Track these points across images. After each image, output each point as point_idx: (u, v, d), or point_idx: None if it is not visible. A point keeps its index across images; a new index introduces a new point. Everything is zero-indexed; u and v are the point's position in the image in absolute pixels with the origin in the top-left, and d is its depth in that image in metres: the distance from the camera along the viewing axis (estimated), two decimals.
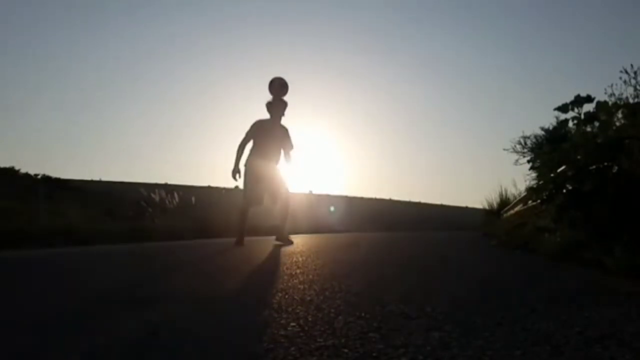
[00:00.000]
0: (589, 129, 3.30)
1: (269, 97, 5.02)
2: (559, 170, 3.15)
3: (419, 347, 1.02)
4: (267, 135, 4.94)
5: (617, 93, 3.10)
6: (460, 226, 17.30)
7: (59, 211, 8.76)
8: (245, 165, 4.95)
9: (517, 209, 7.27)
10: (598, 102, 3.29)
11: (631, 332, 1.13)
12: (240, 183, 5.04)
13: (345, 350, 1.01)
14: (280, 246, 4.63)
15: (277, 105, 5.00)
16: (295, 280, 2.12)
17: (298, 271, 2.48)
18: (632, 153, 2.60)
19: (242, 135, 4.98)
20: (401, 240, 6.44)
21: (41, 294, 1.94)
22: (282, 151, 5.05)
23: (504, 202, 10.48)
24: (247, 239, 5.20)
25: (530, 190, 3.77)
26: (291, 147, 5.07)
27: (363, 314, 1.37)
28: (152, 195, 9.76)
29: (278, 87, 4.97)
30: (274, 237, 5.23)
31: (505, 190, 10.96)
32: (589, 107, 3.38)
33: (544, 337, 1.09)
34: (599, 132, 3.10)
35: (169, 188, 11.20)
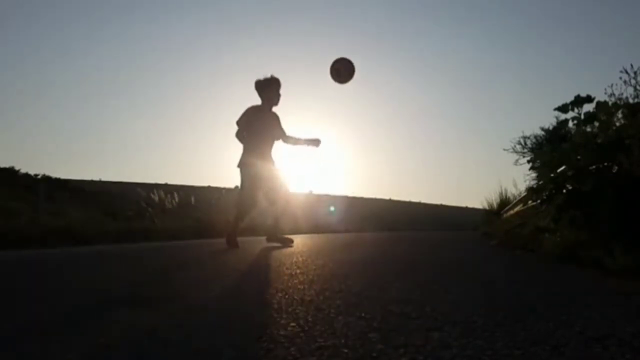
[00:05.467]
0: (589, 129, 3.30)
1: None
2: (559, 170, 3.15)
3: (419, 347, 1.02)
4: (260, 123, 4.64)
5: (617, 93, 3.09)
6: (460, 226, 17.31)
7: (59, 211, 8.77)
8: (241, 166, 4.66)
9: (517, 209, 7.27)
10: (598, 102, 3.29)
11: (631, 332, 1.13)
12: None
13: (345, 350, 1.00)
14: (278, 247, 4.62)
15: (272, 96, 4.70)
16: (295, 280, 2.11)
17: (298, 271, 2.47)
18: (632, 153, 2.60)
19: (236, 127, 4.69)
20: (401, 240, 6.44)
21: (41, 294, 1.94)
22: (274, 141, 4.77)
23: (504, 202, 10.49)
24: (246, 239, 5.19)
25: (530, 190, 3.77)
26: (284, 133, 4.79)
27: (363, 314, 1.37)
28: (152, 195, 9.77)
29: (277, 88, 4.70)
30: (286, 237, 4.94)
31: (505, 190, 10.98)
32: (589, 107, 3.38)
33: (544, 337, 1.09)
34: (599, 132, 3.10)
35: (169, 188, 11.20)
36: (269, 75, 4.68)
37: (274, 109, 4.76)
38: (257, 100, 4.73)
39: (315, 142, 4.82)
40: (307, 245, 5.09)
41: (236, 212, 4.80)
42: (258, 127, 4.64)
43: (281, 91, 4.73)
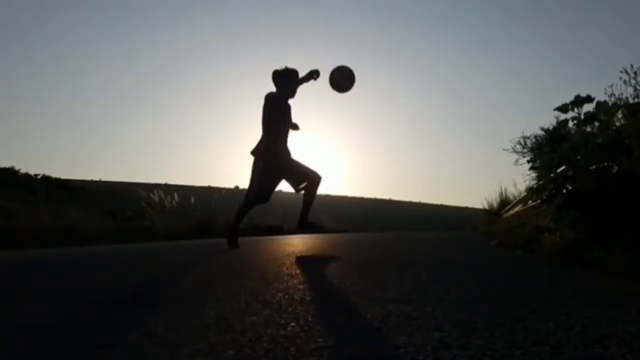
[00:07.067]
0: (589, 129, 3.30)
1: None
2: (558, 170, 3.15)
3: (419, 347, 1.02)
4: (279, 113, 4.47)
5: (617, 93, 3.09)
6: (460, 226, 17.32)
7: (59, 211, 8.78)
8: (263, 154, 4.45)
9: (517, 209, 7.28)
10: (598, 102, 3.29)
11: (631, 332, 1.13)
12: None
13: (345, 351, 1.00)
14: (278, 247, 4.62)
15: (289, 87, 4.55)
16: (295, 280, 2.11)
17: (298, 271, 2.47)
18: (632, 153, 2.60)
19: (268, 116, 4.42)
20: (401, 240, 6.43)
21: (41, 294, 1.94)
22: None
23: (504, 202, 10.51)
24: (246, 239, 5.18)
25: (530, 190, 3.77)
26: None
27: (363, 314, 1.37)
28: (152, 195, 9.77)
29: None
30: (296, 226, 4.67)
31: (505, 190, 11.00)
32: (589, 107, 3.38)
33: (544, 337, 1.09)
34: (599, 132, 3.10)
35: (169, 188, 11.21)
36: (287, 66, 4.55)
37: (290, 101, 4.60)
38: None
39: (313, 74, 4.58)
40: (307, 245, 5.10)
41: (237, 212, 4.65)
42: (278, 116, 4.49)
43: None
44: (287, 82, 4.51)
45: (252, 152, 4.52)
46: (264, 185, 4.46)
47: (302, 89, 4.60)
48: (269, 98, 4.46)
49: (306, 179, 4.46)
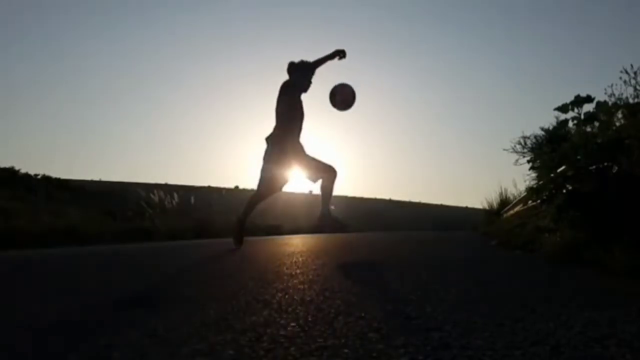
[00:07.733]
0: (589, 129, 3.30)
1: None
2: (558, 170, 3.14)
3: (419, 347, 1.02)
4: (296, 104, 4.45)
5: (617, 93, 3.09)
6: (460, 226, 17.33)
7: (59, 211, 8.79)
8: (281, 142, 4.37)
9: (517, 209, 7.28)
10: (598, 102, 3.29)
11: (631, 332, 1.13)
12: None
13: (345, 350, 1.00)
14: (279, 247, 4.61)
15: (304, 80, 4.51)
16: (295, 280, 2.11)
17: (298, 271, 2.47)
18: (632, 153, 2.59)
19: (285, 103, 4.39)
20: (401, 240, 6.43)
21: (41, 294, 1.94)
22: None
23: (504, 202, 10.52)
24: (246, 239, 5.18)
25: (530, 190, 3.77)
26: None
27: (363, 314, 1.36)
28: (152, 195, 9.78)
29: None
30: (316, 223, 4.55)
31: (505, 190, 11.01)
32: (589, 107, 3.38)
33: (544, 337, 1.09)
34: (599, 132, 3.10)
35: (168, 188, 11.22)
36: (302, 59, 4.51)
37: (302, 96, 4.54)
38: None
39: (339, 53, 4.47)
40: (307, 245, 5.10)
41: (246, 204, 4.58)
42: (291, 106, 4.46)
43: (313, 78, 4.51)
44: (300, 76, 4.47)
45: (267, 139, 4.47)
46: (277, 173, 4.40)
47: (310, 89, 4.50)
48: (283, 87, 4.45)
49: (321, 172, 4.41)
